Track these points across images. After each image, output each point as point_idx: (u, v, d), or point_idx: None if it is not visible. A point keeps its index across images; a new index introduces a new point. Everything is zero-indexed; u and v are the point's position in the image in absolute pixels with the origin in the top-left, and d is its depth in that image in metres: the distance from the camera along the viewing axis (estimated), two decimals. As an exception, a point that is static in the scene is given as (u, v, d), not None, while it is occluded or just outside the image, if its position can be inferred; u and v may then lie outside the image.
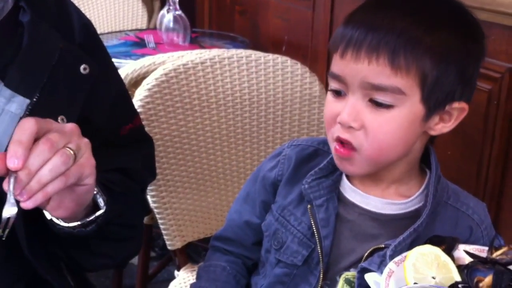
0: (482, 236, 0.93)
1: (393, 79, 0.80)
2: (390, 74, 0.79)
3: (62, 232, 0.82)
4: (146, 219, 1.70)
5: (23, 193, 0.68)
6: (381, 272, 0.83)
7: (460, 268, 0.80)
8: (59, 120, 0.81)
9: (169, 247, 1.48)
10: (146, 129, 1.18)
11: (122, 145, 0.97)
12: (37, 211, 0.80)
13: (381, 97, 0.81)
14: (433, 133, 0.87)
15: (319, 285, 0.92)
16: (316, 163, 0.94)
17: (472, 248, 0.85)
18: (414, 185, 0.92)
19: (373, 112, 0.82)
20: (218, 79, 1.47)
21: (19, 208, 0.72)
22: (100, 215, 0.83)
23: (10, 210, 0.69)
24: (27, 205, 0.69)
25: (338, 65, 0.84)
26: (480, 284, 0.76)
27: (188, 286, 1.33)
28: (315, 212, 0.90)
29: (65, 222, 0.82)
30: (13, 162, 0.66)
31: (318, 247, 0.90)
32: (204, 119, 1.47)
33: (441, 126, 0.87)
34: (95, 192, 0.83)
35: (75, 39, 0.87)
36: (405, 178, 0.91)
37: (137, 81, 1.47)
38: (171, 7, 2.27)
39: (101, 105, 0.91)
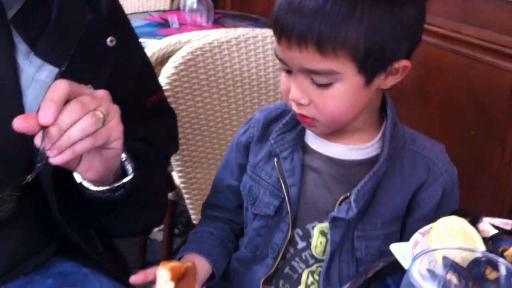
0: (442, 173, 0.95)
1: (325, 62, 0.83)
2: (321, 59, 0.83)
3: (91, 197, 0.85)
4: (170, 195, 1.74)
5: (53, 148, 0.70)
6: (350, 218, 0.91)
7: (485, 240, 0.82)
8: None
9: (194, 221, 1.51)
10: (172, 105, 1.21)
11: (147, 117, 1.00)
12: (67, 176, 0.84)
13: (319, 79, 0.85)
14: (384, 87, 0.90)
15: (289, 232, 0.96)
16: (279, 122, 0.99)
17: (497, 221, 0.87)
18: (373, 132, 0.96)
19: (316, 90, 0.86)
20: (243, 58, 1.49)
21: (51, 168, 0.77)
22: (128, 181, 0.86)
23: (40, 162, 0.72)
24: (56, 160, 0.71)
25: (278, 49, 0.88)
26: (505, 253, 0.78)
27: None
28: (281, 164, 0.96)
29: (95, 186, 0.85)
30: (44, 118, 0.69)
31: (286, 196, 0.96)
32: (229, 96, 1.49)
33: (390, 80, 0.89)
34: (123, 159, 0.86)
35: (102, 12, 0.89)
36: (365, 126, 0.95)
37: (163, 60, 1.50)
38: (195, -12, 2.28)
39: (127, 77, 0.94)
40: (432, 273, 0.66)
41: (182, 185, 1.49)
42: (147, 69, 1.01)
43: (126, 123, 0.82)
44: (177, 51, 1.45)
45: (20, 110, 0.83)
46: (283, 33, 0.84)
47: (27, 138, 0.80)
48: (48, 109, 0.69)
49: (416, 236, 0.82)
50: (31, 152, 0.79)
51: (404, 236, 0.96)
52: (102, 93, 0.77)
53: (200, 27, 2.28)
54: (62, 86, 0.71)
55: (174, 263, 0.84)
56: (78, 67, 0.83)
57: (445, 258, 0.67)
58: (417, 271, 0.62)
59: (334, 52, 0.82)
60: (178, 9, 2.62)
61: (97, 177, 0.81)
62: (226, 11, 2.81)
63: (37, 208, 0.92)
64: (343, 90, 0.85)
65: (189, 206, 1.50)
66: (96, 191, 0.84)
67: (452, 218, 0.83)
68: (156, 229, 2.52)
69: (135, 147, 0.91)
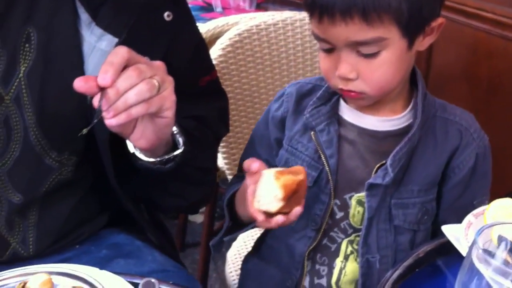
0: (474, 139, 0.98)
1: (372, 31, 0.86)
2: (367, 28, 0.85)
3: (143, 167, 0.88)
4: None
5: (109, 110, 0.73)
6: (386, 183, 0.94)
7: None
8: None
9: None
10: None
11: (200, 96, 1.02)
12: (122, 146, 0.87)
13: (366, 49, 0.87)
14: (422, 48, 0.94)
15: (332, 203, 0.98)
16: (314, 96, 1.01)
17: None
18: (404, 104, 0.99)
19: (364, 62, 0.89)
20: (289, 40, 1.49)
21: (108, 135, 0.83)
22: (178, 154, 0.89)
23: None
24: (111, 122, 0.74)
25: (318, 28, 0.90)
26: None
27: (255, 240, 1.38)
28: (318, 137, 0.98)
29: (146, 157, 0.87)
30: (103, 79, 0.72)
31: (326, 166, 0.97)
32: (274, 79, 1.50)
33: (427, 41, 0.94)
34: (174, 132, 0.89)
35: None
36: (397, 98, 0.98)
37: (211, 41, 1.51)
38: (238, -28, 2.28)
39: (182, 53, 0.96)
40: (488, 253, 0.66)
41: (226, 167, 1.50)
42: (202, 48, 1.04)
43: (179, 100, 0.84)
44: (225, 33, 1.47)
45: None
46: (324, 12, 0.86)
47: (87, 105, 0.85)
48: (107, 72, 0.73)
49: (469, 217, 0.83)
50: (90, 117, 0.82)
51: (441, 205, 0.99)
52: (158, 63, 0.79)
53: (243, 11, 2.28)
54: (122, 52, 0.75)
55: (286, 177, 0.81)
56: (136, 38, 0.86)
57: (500, 238, 0.67)
58: (477, 251, 0.62)
59: (380, 19, 0.84)
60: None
61: (148, 146, 0.83)
62: (269, -4, 2.80)
63: (94, 173, 0.95)
64: (389, 56, 0.88)
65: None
66: (147, 162, 0.87)
67: (507, 200, 0.83)
68: (194, 212, 2.57)
69: (187, 124, 0.93)
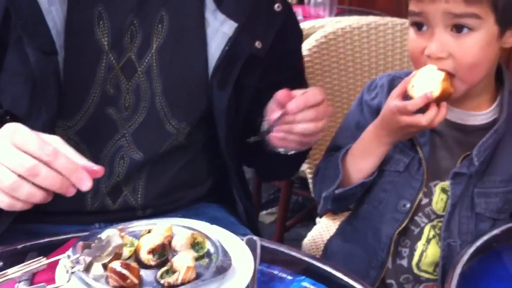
0: None
1: (470, 8, 0.92)
2: (466, 5, 0.91)
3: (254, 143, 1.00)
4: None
5: (278, 129, 0.93)
6: (471, 172, 1.00)
7: None
8: (256, 44, 1.00)
9: (313, 195, 1.60)
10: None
11: (299, 80, 1.14)
12: (238, 116, 1.03)
13: (462, 21, 0.93)
14: (507, 45, 0.99)
15: (422, 189, 1.04)
16: None
17: None
18: (490, 99, 1.04)
19: (456, 40, 0.94)
20: (373, 44, 1.57)
21: (225, 104, 0.99)
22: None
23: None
24: (275, 139, 0.95)
25: (417, 4, 0.96)
26: None
27: (330, 232, 1.46)
28: None
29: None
30: (292, 108, 0.91)
31: (420, 153, 1.03)
32: (356, 80, 1.58)
33: None
34: None
35: None
36: (483, 92, 1.03)
37: (297, 43, 1.60)
38: (320, -18, 2.39)
39: (288, 40, 1.09)
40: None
41: (308, 171, 1.57)
42: (301, 36, 1.17)
43: (285, 86, 0.97)
44: (311, 35, 1.56)
45: (205, 55, 1.00)
46: None
47: (208, 81, 1.00)
48: (299, 107, 0.91)
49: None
50: (210, 94, 1.00)
51: None
52: (330, 109, 0.97)
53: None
54: (319, 97, 0.93)
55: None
56: (252, 24, 1.00)
57: None
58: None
59: (480, 0, 0.91)
60: (301, 2, 2.73)
61: (287, 150, 1.00)
62: (347, 7, 2.89)
63: (206, 140, 1.07)
64: (481, 38, 0.94)
65: (310, 181, 1.60)
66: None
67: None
68: (264, 212, 2.66)
69: None
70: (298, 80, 1.12)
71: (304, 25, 1.62)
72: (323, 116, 0.94)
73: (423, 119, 0.93)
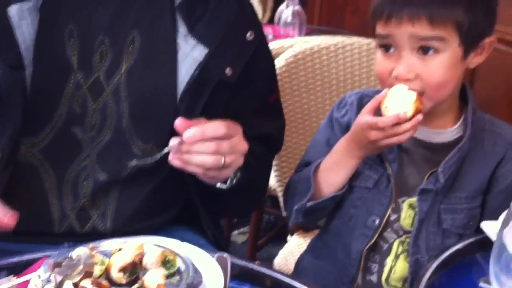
0: None
1: (435, 30, 0.96)
2: (432, 28, 0.95)
3: (207, 184, 1.00)
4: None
5: (176, 156, 0.90)
6: (437, 189, 1.03)
7: None
8: (226, 71, 1.00)
9: (284, 214, 1.62)
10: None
11: (267, 113, 1.13)
12: None
13: (428, 43, 0.97)
14: (471, 66, 1.04)
15: (391, 205, 1.07)
16: None
17: None
18: (455, 117, 1.08)
19: (423, 62, 0.97)
20: (340, 63, 1.60)
21: None
22: (238, 178, 1.00)
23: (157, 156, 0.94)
24: (173, 163, 0.92)
25: (384, 28, 1.00)
26: None
27: (301, 249, 1.47)
28: None
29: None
30: (187, 138, 0.88)
31: (389, 169, 1.06)
32: (324, 99, 1.61)
33: (477, 59, 1.03)
34: None
35: (247, 10, 1.06)
36: (448, 111, 1.07)
37: (266, 62, 1.63)
38: (289, 3, 2.43)
39: (258, 71, 1.08)
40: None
41: (277, 184, 1.59)
42: (273, 68, 1.16)
43: (250, 117, 0.98)
44: (280, 55, 1.59)
45: (174, 80, 1.00)
46: (393, 14, 0.97)
47: (176, 104, 0.99)
48: (195, 137, 0.88)
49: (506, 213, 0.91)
50: (177, 117, 0.95)
51: (485, 211, 1.07)
52: (244, 147, 0.94)
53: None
54: (220, 131, 0.90)
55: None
56: (223, 51, 1.00)
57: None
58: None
59: (444, 23, 0.95)
60: (271, 22, 2.78)
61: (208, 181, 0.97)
62: (317, 27, 2.94)
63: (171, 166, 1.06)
64: (446, 60, 0.97)
65: (281, 199, 1.61)
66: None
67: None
68: (235, 232, 2.66)
69: (253, 151, 1.01)
70: (266, 112, 1.11)
71: (274, 45, 1.65)
72: (227, 151, 0.91)
73: (394, 138, 0.97)
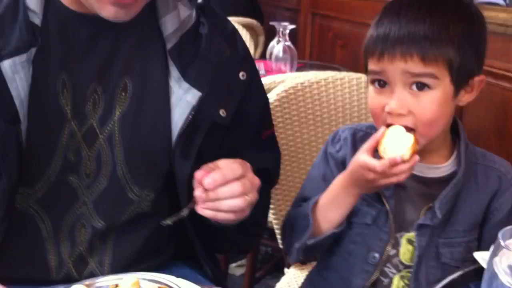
0: (511, 184, 1.09)
1: (427, 68, 0.98)
2: (424, 66, 0.98)
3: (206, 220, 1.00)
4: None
5: (204, 205, 0.91)
6: (434, 224, 1.04)
7: None
8: (219, 111, 1.00)
9: (281, 246, 1.63)
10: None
11: (262, 149, 1.14)
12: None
13: (420, 80, 0.99)
14: (461, 104, 1.07)
15: (390, 241, 1.08)
16: (367, 140, 1.12)
17: None
18: (447, 153, 1.10)
19: (415, 98, 1.00)
20: (331, 97, 1.64)
21: (186, 176, 0.97)
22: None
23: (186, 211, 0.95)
24: (202, 212, 0.92)
25: (377, 64, 1.03)
26: None
27: (299, 282, 1.48)
28: None
29: None
30: (209, 184, 0.89)
31: (386, 206, 1.08)
32: (317, 132, 1.64)
33: (467, 97, 1.06)
34: None
35: (239, 50, 1.07)
36: (440, 147, 1.09)
37: (259, 98, 1.66)
38: (281, 39, 2.48)
39: (252, 108, 1.09)
40: (512, 269, 0.76)
41: (273, 216, 1.60)
42: (267, 105, 1.17)
43: (244, 153, 0.99)
44: (272, 90, 1.62)
45: (168, 123, 1.00)
46: (386, 51, 1.00)
47: (171, 148, 1.00)
48: (216, 181, 0.90)
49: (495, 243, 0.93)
50: (173, 162, 0.99)
51: (481, 243, 1.08)
52: (258, 181, 0.96)
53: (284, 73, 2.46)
54: (238, 171, 0.91)
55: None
56: (216, 92, 1.01)
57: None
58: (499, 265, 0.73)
59: (436, 61, 0.98)
60: (262, 57, 2.83)
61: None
62: (308, 61, 3.00)
63: (169, 208, 1.06)
64: (438, 97, 1.00)
65: (277, 232, 1.63)
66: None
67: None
68: (233, 264, 2.66)
69: None
70: (261, 147, 1.12)
71: (265, 81, 1.68)
72: (250, 189, 0.93)
73: (391, 179, 0.99)
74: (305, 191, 1.20)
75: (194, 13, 1.03)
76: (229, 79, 1.03)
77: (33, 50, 0.93)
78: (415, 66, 0.98)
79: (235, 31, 1.09)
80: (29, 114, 0.93)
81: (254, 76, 1.10)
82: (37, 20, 0.94)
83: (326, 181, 1.13)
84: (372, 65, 1.03)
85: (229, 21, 1.10)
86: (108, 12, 0.92)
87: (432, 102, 1.00)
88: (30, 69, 0.93)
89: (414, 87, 1.00)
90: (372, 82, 1.05)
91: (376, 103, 1.03)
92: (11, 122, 0.91)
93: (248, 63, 1.09)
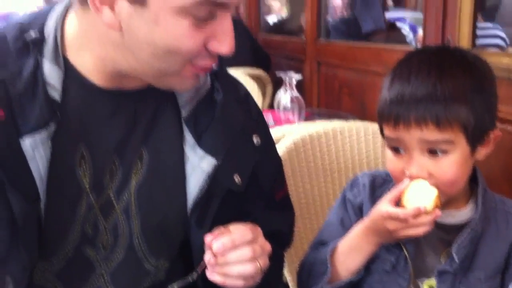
0: None
1: (443, 134, 1.00)
2: (439, 132, 0.99)
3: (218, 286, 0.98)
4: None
5: (213, 271, 0.90)
6: (454, 270, 1.04)
7: None
8: (234, 178, 0.99)
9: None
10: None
11: (275, 209, 1.13)
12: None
13: (437, 147, 1.01)
14: (479, 158, 1.08)
15: (411, 287, 1.07)
16: (386, 187, 1.15)
17: None
18: (466, 199, 1.11)
19: (434, 162, 1.01)
20: (339, 147, 1.64)
21: (202, 245, 0.94)
22: None
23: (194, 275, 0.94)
24: (211, 278, 0.90)
25: (392, 132, 1.04)
26: None
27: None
28: None
29: None
30: (218, 248, 0.89)
31: (404, 251, 1.08)
32: (327, 182, 1.64)
33: (484, 151, 1.07)
34: None
35: (252, 114, 1.07)
36: (460, 194, 1.10)
37: (268, 150, 1.67)
38: (288, 89, 2.51)
39: (266, 171, 1.09)
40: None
41: (286, 274, 1.57)
42: (280, 166, 1.17)
43: (257, 216, 0.98)
44: (280, 141, 1.63)
45: (183, 192, 1.00)
46: (401, 120, 1.01)
47: (186, 217, 0.99)
48: (225, 246, 0.89)
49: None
50: (188, 231, 0.98)
51: None
52: (268, 247, 0.95)
53: (292, 123, 2.48)
54: (247, 237, 0.90)
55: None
56: (231, 159, 1.00)
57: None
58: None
59: (451, 126, 0.99)
60: (270, 108, 2.85)
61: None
62: (316, 109, 3.02)
63: (184, 275, 1.03)
64: (456, 159, 1.01)
65: (297, 285, 1.60)
66: None
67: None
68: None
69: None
70: (274, 209, 1.11)
71: (274, 132, 1.68)
72: (260, 255, 0.92)
73: (412, 230, 0.99)
74: (323, 235, 1.21)
75: (208, 80, 1.03)
76: (244, 145, 1.03)
77: (52, 126, 0.91)
78: (431, 133, 0.99)
79: (248, 94, 1.10)
80: (48, 190, 0.91)
81: (268, 139, 1.10)
82: (56, 95, 0.92)
83: (344, 226, 1.14)
84: (388, 132, 1.05)
85: (242, 85, 1.11)
86: (187, 85, 0.93)
87: (452, 165, 1.02)
88: (49, 145, 0.91)
89: (431, 152, 1.02)
90: (389, 147, 1.07)
91: (395, 167, 1.05)
92: (31, 201, 0.89)
93: (261, 126, 1.09)
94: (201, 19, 0.84)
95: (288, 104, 2.47)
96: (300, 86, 2.76)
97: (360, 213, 1.15)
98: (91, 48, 0.92)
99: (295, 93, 2.49)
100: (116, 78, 0.94)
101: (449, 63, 1.04)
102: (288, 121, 2.51)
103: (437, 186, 1.01)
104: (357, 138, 1.65)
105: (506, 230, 1.09)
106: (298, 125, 1.73)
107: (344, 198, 1.19)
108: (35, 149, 0.89)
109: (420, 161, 1.02)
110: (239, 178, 0.99)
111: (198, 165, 0.99)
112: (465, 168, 1.04)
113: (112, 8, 0.84)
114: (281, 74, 2.56)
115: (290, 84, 2.48)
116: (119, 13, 0.84)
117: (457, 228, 1.08)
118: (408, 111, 1.00)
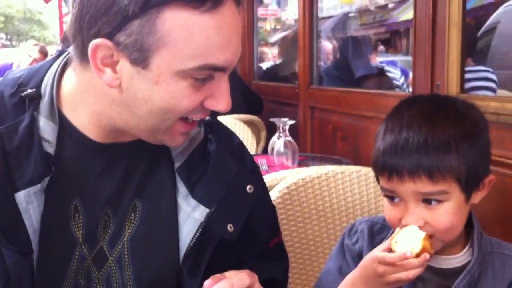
0: None
1: (436, 186, 1.02)
2: (433, 184, 1.02)
3: None
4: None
5: None
6: None
7: None
8: (228, 227, 1.00)
9: None
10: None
11: (269, 257, 1.14)
12: None
13: (431, 197, 1.03)
14: (475, 202, 1.09)
15: None
16: (385, 234, 1.17)
17: None
18: (462, 243, 1.12)
19: (429, 211, 1.04)
20: (332, 191, 1.65)
21: None
22: None
23: None
24: None
25: (387, 183, 1.06)
26: None
27: None
28: None
29: None
30: None
31: None
32: (320, 226, 1.64)
33: (479, 196, 1.10)
34: None
35: (247, 164, 1.09)
36: (456, 239, 1.11)
37: (261, 195, 1.68)
38: (281, 134, 2.54)
39: (259, 220, 1.10)
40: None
41: None
42: (274, 215, 1.18)
43: (251, 264, 0.98)
44: (273, 187, 1.64)
45: (176, 241, 1.00)
46: (394, 172, 1.03)
47: (179, 266, 0.99)
48: None
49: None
50: (181, 280, 0.97)
51: None
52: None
53: (286, 167, 2.49)
54: (245, 281, 0.89)
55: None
56: (224, 208, 1.01)
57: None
58: None
59: (443, 177, 1.01)
60: (262, 153, 2.87)
61: None
62: (310, 154, 3.05)
63: None
64: (451, 207, 1.03)
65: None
66: None
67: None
68: None
69: None
70: (268, 257, 1.12)
71: (267, 178, 1.70)
72: None
73: (402, 273, 1.00)
74: (321, 284, 1.21)
75: (202, 130, 1.05)
76: (237, 194, 1.03)
77: (46, 180, 0.93)
78: (424, 185, 1.02)
79: (241, 145, 1.12)
80: (40, 242, 0.92)
81: (262, 189, 1.11)
82: (50, 149, 0.94)
83: (342, 273, 1.14)
84: (383, 183, 1.08)
85: (235, 136, 1.13)
86: (177, 141, 0.96)
87: (447, 213, 1.03)
88: (43, 198, 0.92)
89: (426, 202, 1.03)
90: (385, 195, 1.09)
91: (393, 216, 1.08)
92: (25, 253, 0.90)
93: (255, 176, 1.10)
94: (200, 81, 0.88)
95: (282, 149, 2.50)
96: (294, 130, 2.79)
97: (359, 260, 1.15)
98: (87, 103, 0.94)
99: (289, 138, 2.51)
100: (111, 133, 0.96)
101: (439, 115, 1.06)
102: (283, 166, 2.53)
103: (433, 233, 1.03)
104: (349, 182, 1.66)
105: (502, 273, 1.09)
106: (291, 170, 1.74)
107: (343, 245, 1.20)
108: (28, 202, 0.90)
109: (416, 211, 1.04)
110: (232, 227, 1.00)
111: (191, 215, 1.00)
112: (461, 215, 1.06)
113: (113, 69, 0.87)
114: (274, 120, 2.60)
115: (284, 130, 2.51)
116: (120, 73, 0.87)
117: (456, 273, 1.09)
118: (402, 165, 1.02)
